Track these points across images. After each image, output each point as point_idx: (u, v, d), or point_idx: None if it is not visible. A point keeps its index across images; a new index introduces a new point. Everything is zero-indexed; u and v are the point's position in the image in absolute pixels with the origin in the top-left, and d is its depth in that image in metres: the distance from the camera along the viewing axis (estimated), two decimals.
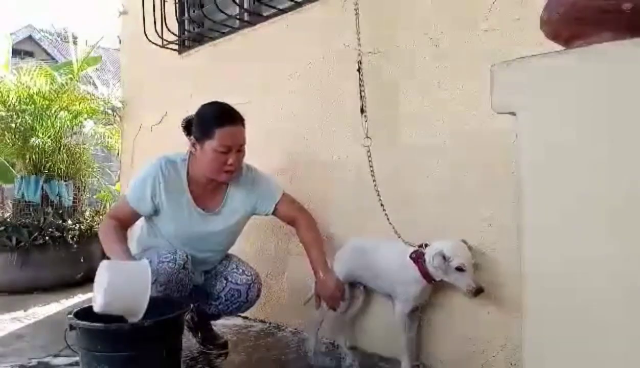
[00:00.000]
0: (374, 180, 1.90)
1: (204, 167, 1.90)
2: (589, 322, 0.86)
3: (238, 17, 2.73)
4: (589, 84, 0.86)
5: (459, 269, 1.60)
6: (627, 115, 0.82)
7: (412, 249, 1.74)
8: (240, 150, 1.90)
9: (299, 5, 2.38)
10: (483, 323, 1.74)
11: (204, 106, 1.95)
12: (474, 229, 1.75)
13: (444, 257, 1.60)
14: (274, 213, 2.05)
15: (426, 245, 1.72)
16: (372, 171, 1.91)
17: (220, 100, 1.97)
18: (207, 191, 1.98)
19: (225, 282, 2.03)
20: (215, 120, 1.86)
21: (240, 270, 2.06)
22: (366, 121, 1.94)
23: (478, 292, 1.58)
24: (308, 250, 1.96)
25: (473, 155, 1.77)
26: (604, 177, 0.84)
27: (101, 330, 1.57)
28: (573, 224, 0.88)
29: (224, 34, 2.83)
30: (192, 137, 1.90)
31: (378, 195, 1.88)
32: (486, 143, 1.72)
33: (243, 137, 1.91)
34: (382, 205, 1.87)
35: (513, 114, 0.95)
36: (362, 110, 1.95)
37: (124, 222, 1.93)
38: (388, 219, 1.85)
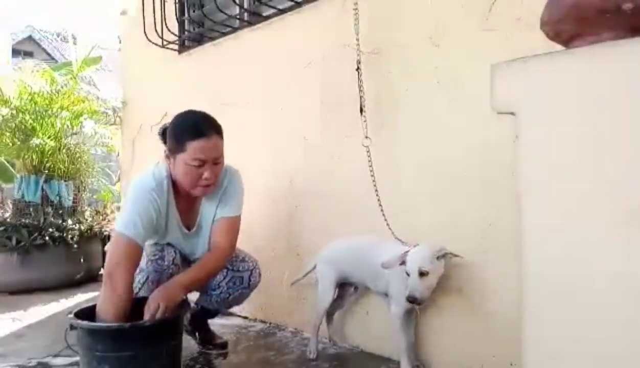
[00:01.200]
0: (373, 180, 1.90)
1: (179, 181, 1.81)
2: (589, 322, 0.86)
3: (238, 17, 2.73)
4: (589, 84, 0.86)
5: (407, 273, 1.64)
6: (627, 115, 0.82)
7: (406, 248, 1.73)
8: (217, 163, 1.80)
9: (299, 5, 2.39)
10: (483, 323, 1.74)
11: (177, 116, 1.84)
12: (474, 229, 1.76)
13: (403, 261, 1.66)
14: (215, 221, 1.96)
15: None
16: (371, 171, 1.91)
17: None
18: (189, 205, 1.93)
19: (226, 271, 2.00)
20: (187, 133, 1.75)
21: (241, 258, 2.06)
22: (365, 121, 1.94)
23: (410, 300, 1.61)
24: (199, 270, 1.84)
25: (473, 155, 1.77)
26: (604, 177, 0.84)
27: (101, 330, 1.57)
28: (573, 224, 0.88)
29: (224, 34, 2.83)
30: (165, 149, 1.82)
31: (377, 194, 1.88)
32: (486, 143, 1.72)
33: (219, 150, 1.80)
34: (380, 205, 1.87)
35: (513, 114, 0.95)
36: (361, 110, 1.95)
37: (131, 264, 1.71)
38: (385, 218, 1.85)
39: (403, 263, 1.65)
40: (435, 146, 1.88)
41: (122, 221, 1.74)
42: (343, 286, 2.08)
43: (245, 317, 2.65)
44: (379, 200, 1.88)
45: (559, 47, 0.99)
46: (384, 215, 1.86)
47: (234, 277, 2.02)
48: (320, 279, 2.05)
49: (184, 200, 1.90)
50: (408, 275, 1.63)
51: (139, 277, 1.85)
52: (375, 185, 1.90)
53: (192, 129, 1.76)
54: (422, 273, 1.61)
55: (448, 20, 1.84)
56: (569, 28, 0.94)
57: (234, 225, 1.96)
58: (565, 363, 0.89)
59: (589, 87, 0.86)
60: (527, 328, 0.94)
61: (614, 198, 0.83)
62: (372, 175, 1.91)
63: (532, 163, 0.93)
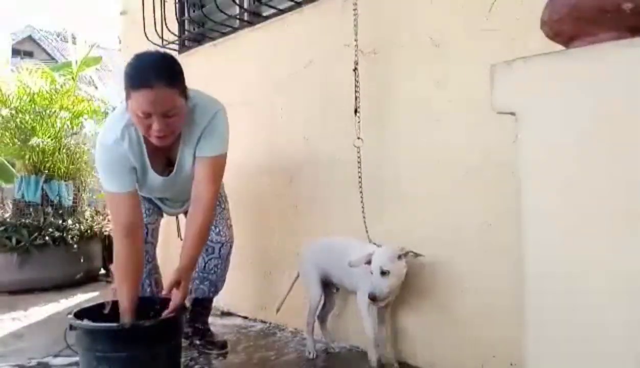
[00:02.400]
0: (359, 180, 1.93)
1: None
2: (589, 322, 0.86)
3: (238, 17, 2.73)
4: (589, 84, 0.86)
5: (371, 272, 1.72)
6: (627, 115, 0.82)
7: (373, 248, 1.80)
8: (169, 116, 1.60)
9: (299, 5, 2.38)
10: (483, 324, 1.74)
11: (133, 57, 1.65)
12: (473, 229, 1.76)
13: (369, 261, 1.73)
14: (196, 161, 1.83)
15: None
16: (359, 171, 1.94)
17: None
18: (163, 147, 1.75)
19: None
20: (130, 81, 1.58)
21: (217, 230, 2.13)
22: (359, 122, 1.95)
23: (370, 297, 1.69)
24: (188, 239, 1.75)
25: (473, 155, 1.77)
26: (604, 176, 0.84)
27: (101, 330, 1.57)
28: (573, 224, 0.88)
29: (224, 34, 2.83)
30: None
31: (361, 194, 1.92)
32: (486, 143, 1.72)
33: (167, 102, 1.57)
34: (362, 204, 1.91)
35: (513, 114, 0.95)
36: (355, 111, 1.96)
37: (130, 219, 1.74)
38: (364, 218, 1.89)
39: (369, 263, 1.73)
40: (435, 146, 1.88)
41: (103, 182, 1.76)
42: (326, 287, 2.10)
43: (245, 317, 2.65)
44: (362, 200, 1.92)
45: (559, 47, 0.99)
46: (364, 215, 1.90)
47: (207, 245, 2.07)
48: (304, 279, 2.10)
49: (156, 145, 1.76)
50: (372, 274, 1.71)
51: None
52: (360, 186, 1.93)
53: (136, 77, 1.58)
54: (383, 272, 1.69)
55: (448, 20, 1.84)
56: (569, 28, 0.94)
57: (215, 166, 1.81)
58: (566, 363, 0.89)
59: (588, 87, 0.86)
60: (528, 328, 0.94)
61: (614, 198, 0.83)
62: (359, 176, 1.94)
63: (532, 163, 0.93)
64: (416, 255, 1.76)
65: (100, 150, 1.74)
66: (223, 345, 2.18)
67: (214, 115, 1.80)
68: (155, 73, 1.57)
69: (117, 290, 1.74)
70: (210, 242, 2.11)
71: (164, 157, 1.85)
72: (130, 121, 1.69)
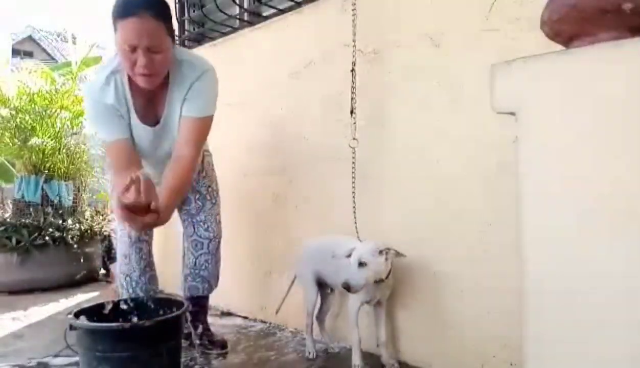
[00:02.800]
0: (353, 180, 1.93)
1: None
2: (589, 322, 0.86)
3: (238, 17, 2.73)
4: (589, 84, 0.86)
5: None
6: (627, 115, 0.82)
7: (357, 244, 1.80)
8: (154, 52, 1.59)
9: (299, 5, 2.39)
10: (483, 323, 1.74)
11: None
12: (473, 229, 1.76)
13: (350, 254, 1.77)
14: (181, 121, 1.82)
15: None
16: (353, 171, 1.94)
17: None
18: (149, 97, 1.79)
19: (192, 229, 2.13)
20: (117, 10, 1.57)
21: (206, 226, 2.14)
22: (354, 122, 1.95)
23: (344, 286, 1.70)
24: (164, 186, 1.70)
25: (473, 155, 1.77)
26: (604, 177, 0.84)
27: (101, 330, 1.57)
28: (573, 224, 0.88)
29: (224, 34, 2.83)
30: None
31: (353, 194, 1.92)
32: (486, 143, 1.72)
33: (154, 36, 1.57)
34: (354, 204, 1.91)
35: (513, 114, 0.95)
36: (351, 112, 1.96)
37: (124, 163, 1.75)
38: (355, 218, 1.89)
39: (349, 256, 1.76)
40: (435, 146, 1.88)
41: (97, 131, 1.83)
42: (322, 288, 2.10)
43: (245, 317, 2.65)
44: (354, 199, 1.92)
45: (559, 47, 0.99)
46: (355, 214, 1.90)
47: (195, 240, 2.13)
48: (300, 279, 2.11)
49: (142, 92, 1.77)
50: (351, 265, 1.73)
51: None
52: (353, 185, 1.93)
53: (124, 5, 1.57)
54: (360, 264, 1.71)
55: (448, 20, 1.84)
56: (569, 28, 0.94)
57: (198, 128, 1.81)
58: (566, 363, 0.89)
59: (588, 87, 0.86)
60: (528, 328, 0.94)
61: (614, 198, 0.83)
62: (353, 176, 1.94)
63: (532, 163, 0.93)
64: (398, 253, 1.77)
65: (86, 98, 1.79)
66: (223, 344, 2.18)
67: (203, 73, 1.80)
68: (143, 3, 1.57)
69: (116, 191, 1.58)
70: (200, 238, 2.13)
71: (150, 109, 1.84)
72: (116, 68, 1.73)
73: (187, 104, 1.79)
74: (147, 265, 2.13)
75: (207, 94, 1.82)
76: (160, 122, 1.86)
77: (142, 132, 1.86)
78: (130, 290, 2.07)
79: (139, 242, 2.05)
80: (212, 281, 2.20)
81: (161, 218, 1.58)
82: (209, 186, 2.18)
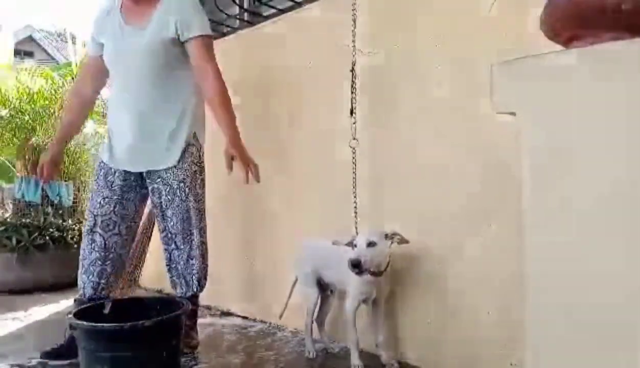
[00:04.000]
0: (354, 180, 1.94)
1: None
2: (589, 322, 0.86)
3: (238, 17, 2.73)
4: (589, 84, 0.86)
5: (355, 246, 1.75)
6: (627, 115, 0.82)
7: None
8: None
9: (299, 5, 2.39)
10: (483, 323, 1.74)
11: None
12: (473, 229, 1.76)
13: (351, 243, 1.78)
14: (187, 48, 2.02)
15: None
16: (354, 172, 1.95)
17: None
18: (139, 6, 2.01)
19: (163, 224, 2.12)
20: None
21: (172, 223, 2.09)
22: (354, 123, 1.95)
23: (354, 263, 1.67)
24: (214, 111, 1.99)
25: (473, 155, 1.77)
26: (604, 176, 0.84)
27: (101, 330, 1.57)
28: (574, 224, 0.88)
29: (224, 34, 2.83)
30: None
31: (354, 195, 1.93)
32: (486, 143, 1.72)
33: None
34: (355, 205, 1.92)
35: (513, 114, 0.95)
36: (351, 112, 1.96)
37: (87, 77, 2.19)
38: (356, 219, 1.91)
39: (350, 245, 1.76)
40: (435, 146, 1.88)
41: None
42: (322, 288, 2.10)
43: (245, 317, 2.65)
44: (355, 199, 1.92)
45: (559, 47, 0.99)
46: (355, 214, 1.91)
47: (165, 236, 2.11)
48: (300, 278, 2.11)
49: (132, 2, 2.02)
50: (355, 247, 1.73)
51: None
52: (354, 185, 1.94)
53: None
54: (369, 244, 1.71)
55: (448, 19, 1.84)
56: (569, 28, 0.94)
57: (207, 44, 2.02)
58: (565, 363, 0.89)
59: (588, 86, 0.86)
60: (528, 328, 0.94)
61: (614, 197, 0.83)
62: (354, 176, 1.95)
63: (532, 163, 0.93)
64: (403, 239, 1.77)
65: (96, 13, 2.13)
66: (194, 346, 2.12)
67: None
68: None
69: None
70: (170, 234, 2.10)
71: (134, 14, 2.03)
72: None
73: (185, 26, 1.98)
74: (111, 262, 2.10)
75: (199, 15, 2.04)
76: (144, 26, 2.00)
77: (117, 29, 2.04)
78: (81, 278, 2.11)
79: (91, 233, 2.09)
80: (188, 278, 2.11)
81: (231, 140, 1.89)
82: (182, 181, 2.06)
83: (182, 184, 2.07)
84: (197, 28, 1.99)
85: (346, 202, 2.15)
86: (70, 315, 1.62)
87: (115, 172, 2.10)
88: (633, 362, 0.82)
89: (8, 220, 3.72)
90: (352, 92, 1.96)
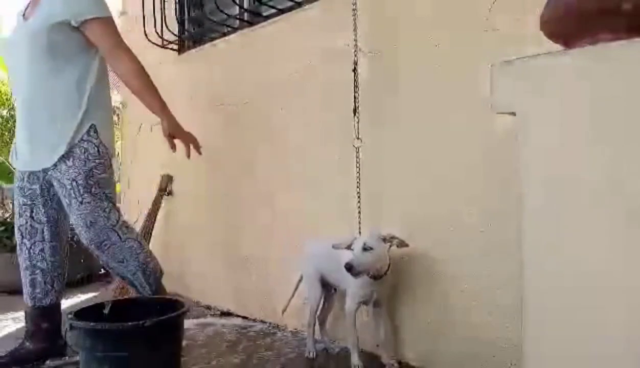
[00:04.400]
0: (357, 181, 1.94)
1: None
2: (589, 322, 0.86)
3: (238, 17, 2.73)
4: (589, 84, 0.86)
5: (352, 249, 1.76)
6: (627, 114, 0.82)
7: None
8: None
9: (299, 5, 2.38)
10: (483, 324, 1.74)
11: None
12: (473, 229, 1.76)
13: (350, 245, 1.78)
14: (85, 33, 1.88)
15: None
16: (358, 171, 1.95)
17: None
18: None
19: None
20: None
21: (78, 230, 1.95)
22: (357, 122, 1.95)
23: (347, 267, 1.67)
24: (138, 96, 2.01)
25: (473, 156, 1.77)
26: (604, 176, 0.84)
27: (101, 330, 1.57)
28: (574, 224, 0.88)
29: (224, 34, 2.83)
30: None
31: (358, 193, 1.92)
32: (486, 143, 1.72)
33: None
34: (359, 206, 1.92)
35: (513, 114, 0.95)
36: (354, 112, 1.96)
37: None
38: (359, 219, 1.91)
39: (349, 247, 1.76)
40: (435, 146, 1.88)
41: None
42: (325, 288, 2.10)
43: (245, 317, 2.65)
44: (359, 200, 1.92)
45: (559, 47, 0.99)
46: (359, 213, 1.91)
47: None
48: (305, 278, 2.11)
49: None
50: (354, 250, 1.73)
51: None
52: (358, 185, 1.94)
53: None
54: (365, 248, 1.71)
55: (448, 19, 1.84)
56: (569, 28, 0.94)
57: (105, 26, 1.89)
58: (565, 363, 0.89)
59: (588, 87, 0.86)
60: (528, 328, 0.94)
61: (614, 197, 0.83)
62: (357, 175, 1.95)
63: (532, 163, 0.93)
64: (402, 242, 1.77)
65: None
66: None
67: None
68: None
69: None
70: (85, 242, 1.98)
71: (32, 11, 1.95)
72: None
73: (70, 10, 1.85)
74: (27, 268, 2.12)
75: None
76: (29, 17, 1.93)
77: (19, 23, 1.98)
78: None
79: (20, 244, 2.10)
80: (141, 281, 2.01)
81: (167, 122, 1.98)
82: (74, 179, 1.88)
83: (74, 183, 1.89)
84: (89, 11, 1.86)
85: (346, 202, 2.15)
86: (70, 315, 1.62)
87: (23, 176, 1.99)
88: (633, 362, 0.82)
89: (8, 220, 3.72)
90: (354, 92, 1.96)
